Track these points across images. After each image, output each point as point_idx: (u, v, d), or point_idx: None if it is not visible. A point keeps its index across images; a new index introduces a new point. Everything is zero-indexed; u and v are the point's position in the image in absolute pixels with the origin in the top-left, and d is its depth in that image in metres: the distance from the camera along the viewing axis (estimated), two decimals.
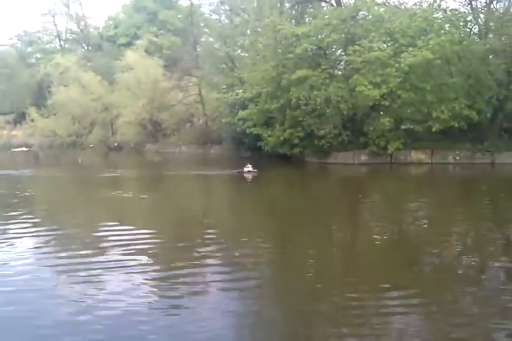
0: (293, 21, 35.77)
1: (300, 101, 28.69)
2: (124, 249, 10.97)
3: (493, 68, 26.83)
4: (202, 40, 50.27)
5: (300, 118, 29.36)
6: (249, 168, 24.65)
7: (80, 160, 38.55)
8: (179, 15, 62.17)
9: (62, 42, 73.90)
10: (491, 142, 27.26)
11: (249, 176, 24.21)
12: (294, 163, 28.36)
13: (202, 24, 52.85)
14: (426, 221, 14.30)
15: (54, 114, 51.16)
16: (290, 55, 29.13)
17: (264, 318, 7.43)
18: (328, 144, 28.73)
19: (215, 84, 42.11)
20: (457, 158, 27.35)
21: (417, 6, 30.78)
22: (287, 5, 37.39)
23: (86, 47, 72.41)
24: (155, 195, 19.49)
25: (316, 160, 29.60)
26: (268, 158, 29.16)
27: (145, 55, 48.87)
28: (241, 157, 34.04)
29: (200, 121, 44.92)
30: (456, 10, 29.28)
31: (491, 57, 27.80)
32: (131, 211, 16.72)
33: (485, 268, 9.69)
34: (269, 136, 30.74)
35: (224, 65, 42.47)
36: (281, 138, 29.97)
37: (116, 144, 48.23)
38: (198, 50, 47.83)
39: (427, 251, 10.81)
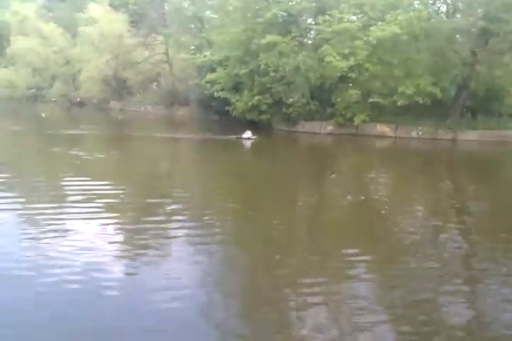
0: None
1: (269, 68, 28.78)
2: (92, 201, 11.54)
3: (459, 47, 27.45)
4: None
5: (268, 85, 29.50)
6: (248, 134, 24.36)
7: (43, 115, 37.46)
8: None
9: None
10: (453, 120, 28.09)
11: (247, 143, 24.01)
12: (262, 129, 28.86)
13: None
14: (386, 192, 15.22)
15: (13, 65, 49.10)
16: (260, 20, 28.99)
17: (227, 273, 8.16)
18: (295, 113, 29.27)
19: (183, 44, 41.34)
20: (420, 133, 28.23)
21: None
22: None
23: None
24: (129, 155, 19.60)
25: (284, 127, 30.10)
26: (236, 124, 29.34)
27: (110, 9, 46.94)
28: (209, 120, 34.13)
29: (167, 80, 44.27)
30: None
31: (457, 36, 28.44)
32: (102, 169, 16.97)
33: (438, 234, 10.57)
34: (237, 101, 30.86)
35: (192, 25, 41.72)
36: (250, 103, 30.16)
37: (78, 99, 47.05)
38: (166, 7, 46.37)
39: (386, 220, 11.62)
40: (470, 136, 27.58)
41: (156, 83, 46.07)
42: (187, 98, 38.83)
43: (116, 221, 10.43)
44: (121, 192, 12.91)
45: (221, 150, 23.00)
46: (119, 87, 45.64)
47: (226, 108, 31.67)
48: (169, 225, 10.33)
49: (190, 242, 9.29)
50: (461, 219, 11.79)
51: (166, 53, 43.47)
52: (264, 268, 8.14)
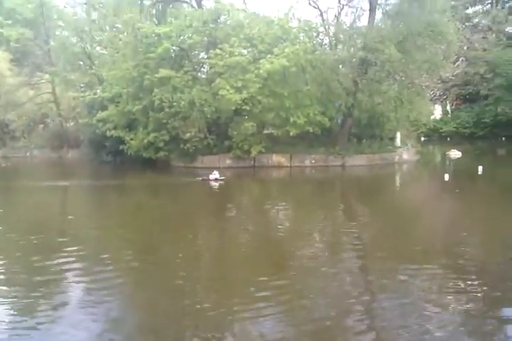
0: (154, 20, 34.98)
1: (164, 104, 28.17)
2: None
3: (342, 77, 28.85)
4: (56, 33, 46.82)
5: (164, 121, 28.76)
6: (215, 175, 23.38)
7: None
8: (29, 5, 56.89)
9: None
10: (341, 146, 29.50)
11: (215, 184, 22.92)
12: (160, 167, 27.79)
13: (55, 16, 49.27)
14: (285, 222, 15.15)
15: None
16: (152, 55, 28.50)
17: (127, 320, 7.50)
18: (193, 148, 28.72)
19: (71, 82, 39.64)
20: (313, 161, 29.33)
21: (275, 14, 31.95)
22: (147, 2, 36.25)
23: None
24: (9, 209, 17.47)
25: (182, 164, 29.33)
26: (132, 163, 27.96)
27: None
28: (102, 161, 32.37)
29: (55, 121, 41.78)
30: (309, 21, 31.17)
31: (340, 66, 29.95)
32: None
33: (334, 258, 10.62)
34: (131, 139, 29.78)
35: (81, 62, 40.16)
36: (145, 141, 29.25)
37: None
38: (52, 44, 44.37)
39: (286, 250, 11.47)
40: (357, 161, 29.30)
41: (42, 125, 43.26)
42: (77, 139, 36.90)
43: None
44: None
45: (116, 194, 21.58)
46: (0, 132, 42.25)
47: (120, 147, 30.28)
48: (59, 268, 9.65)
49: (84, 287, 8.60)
50: (351, 243, 11.96)
51: (53, 92, 41.29)
52: (170, 312, 7.62)
